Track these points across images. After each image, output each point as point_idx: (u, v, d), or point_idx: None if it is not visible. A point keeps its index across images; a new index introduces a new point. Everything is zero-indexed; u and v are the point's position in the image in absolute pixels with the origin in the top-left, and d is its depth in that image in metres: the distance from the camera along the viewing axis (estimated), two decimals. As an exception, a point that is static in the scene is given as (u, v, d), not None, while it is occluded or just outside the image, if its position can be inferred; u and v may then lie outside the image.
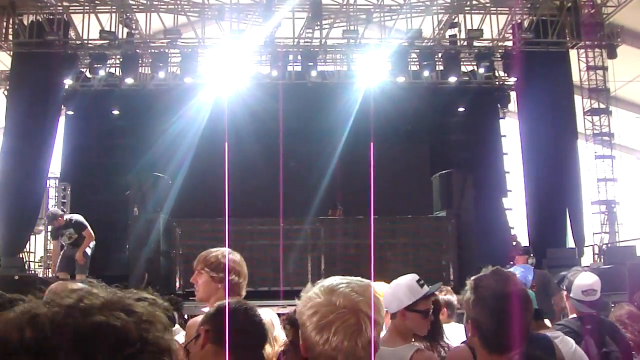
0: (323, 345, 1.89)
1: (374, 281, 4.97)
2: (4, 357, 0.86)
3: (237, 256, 4.01)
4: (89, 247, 12.27)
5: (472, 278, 2.71)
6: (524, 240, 17.46)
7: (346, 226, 14.49)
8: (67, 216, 12.50)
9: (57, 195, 18.65)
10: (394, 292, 3.72)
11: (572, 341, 3.93)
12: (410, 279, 3.75)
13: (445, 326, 5.01)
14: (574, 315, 4.67)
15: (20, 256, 16.46)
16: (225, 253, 3.96)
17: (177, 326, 5.04)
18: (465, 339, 3.08)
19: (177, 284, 13.15)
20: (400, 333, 3.68)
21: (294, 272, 13.17)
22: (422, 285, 3.72)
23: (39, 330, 0.87)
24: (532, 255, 11.13)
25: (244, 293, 3.96)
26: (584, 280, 4.69)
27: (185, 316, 10.03)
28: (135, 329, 0.91)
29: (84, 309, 0.91)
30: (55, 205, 18.30)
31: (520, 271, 6.28)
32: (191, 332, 3.31)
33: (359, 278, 2.05)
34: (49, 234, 14.90)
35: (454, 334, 4.73)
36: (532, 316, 2.89)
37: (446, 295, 5.52)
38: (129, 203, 14.21)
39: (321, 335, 1.89)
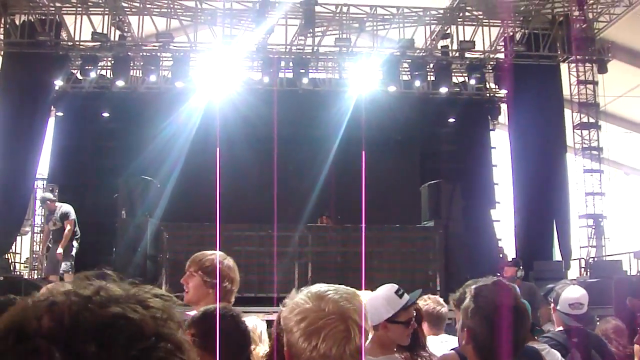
0: (311, 352, 1.86)
1: (363, 290, 4.96)
2: (21, 344, 0.86)
3: (231, 262, 3.93)
4: (74, 246, 12.54)
5: (473, 287, 2.70)
6: (511, 252, 17.51)
7: (334, 234, 14.48)
8: (58, 203, 12.91)
9: (45, 196, 18.54)
10: (373, 304, 3.69)
11: (557, 354, 3.93)
12: (388, 290, 3.71)
13: (436, 339, 4.95)
14: (561, 328, 4.66)
15: (6, 257, 16.35)
16: (220, 258, 3.87)
17: None
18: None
19: (163, 288, 13.08)
20: (383, 344, 3.67)
21: (281, 279, 13.14)
22: (401, 296, 3.68)
23: (57, 318, 0.88)
24: (521, 267, 11.14)
25: (233, 300, 3.91)
26: (572, 293, 4.68)
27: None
28: (151, 323, 0.91)
29: (101, 300, 0.91)
30: (42, 206, 18.22)
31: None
32: None
33: (344, 286, 2.03)
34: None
35: (448, 346, 4.62)
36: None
37: (431, 304, 5.31)
38: (117, 206, 14.17)
39: (309, 342, 1.86)
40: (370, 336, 3.96)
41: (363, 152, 14.04)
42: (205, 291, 3.82)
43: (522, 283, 10.48)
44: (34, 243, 18.73)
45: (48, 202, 13.05)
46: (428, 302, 5.20)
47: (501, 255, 16.93)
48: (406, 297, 3.72)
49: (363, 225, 12.71)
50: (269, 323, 3.93)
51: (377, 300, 3.69)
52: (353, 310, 1.90)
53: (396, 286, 3.75)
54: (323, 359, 1.85)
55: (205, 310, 3.02)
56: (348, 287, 2.02)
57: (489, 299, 2.59)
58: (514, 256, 16.06)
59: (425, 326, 5.00)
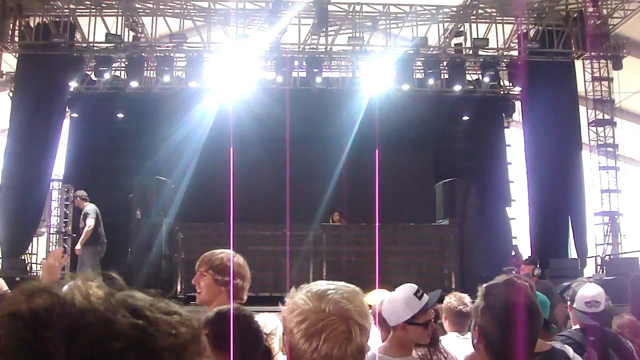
0: (312, 353, 1.85)
1: (377, 288, 4.96)
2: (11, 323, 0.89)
3: (241, 259, 3.93)
4: (97, 249, 13.01)
5: (484, 285, 2.69)
6: (526, 250, 17.42)
7: (349, 233, 14.48)
8: (86, 203, 13.39)
9: (60, 197, 18.64)
10: (392, 306, 3.68)
11: (570, 350, 3.91)
12: (408, 291, 3.70)
13: (459, 336, 4.91)
14: (577, 326, 4.63)
15: (22, 258, 16.45)
16: (230, 255, 3.87)
17: None
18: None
19: (179, 288, 13.13)
20: (402, 344, 3.67)
21: (296, 278, 13.14)
22: (420, 297, 3.67)
23: (40, 300, 0.90)
24: (538, 265, 11.03)
25: (245, 297, 3.91)
26: (588, 291, 4.65)
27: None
28: (130, 331, 0.90)
29: (86, 293, 0.92)
30: (58, 207, 18.33)
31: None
32: None
33: (343, 283, 2.01)
34: None
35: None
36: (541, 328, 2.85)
37: (454, 302, 5.23)
38: (132, 206, 14.23)
39: (310, 343, 1.85)
40: (383, 335, 3.96)
41: (376, 151, 14.00)
42: (217, 290, 3.82)
43: (539, 281, 10.40)
44: (50, 244, 18.82)
45: (78, 198, 13.87)
46: (451, 299, 5.16)
47: (514, 253, 16.83)
48: (425, 298, 3.70)
49: (377, 224, 12.68)
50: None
51: (396, 302, 3.68)
52: (354, 310, 1.89)
53: (415, 287, 3.73)
54: None
55: (218, 311, 3.04)
56: (349, 285, 2.01)
57: (499, 296, 2.58)
58: (529, 254, 15.97)
59: (447, 324, 4.99)
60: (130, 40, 17.53)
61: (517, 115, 19.59)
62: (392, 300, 3.71)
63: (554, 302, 8.40)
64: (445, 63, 18.41)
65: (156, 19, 17.45)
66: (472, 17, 17.84)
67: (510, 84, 19.17)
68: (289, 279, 12.27)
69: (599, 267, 17.12)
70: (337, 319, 1.86)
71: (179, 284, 13.21)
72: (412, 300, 3.63)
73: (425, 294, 3.72)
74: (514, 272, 10.91)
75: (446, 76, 18.51)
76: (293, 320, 1.90)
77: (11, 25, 16.83)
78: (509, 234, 18.94)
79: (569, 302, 4.80)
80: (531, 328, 2.56)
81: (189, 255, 13.07)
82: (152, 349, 0.91)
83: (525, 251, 17.20)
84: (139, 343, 0.90)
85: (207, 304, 3.82)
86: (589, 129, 18.46)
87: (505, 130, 20.08)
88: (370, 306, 5.01)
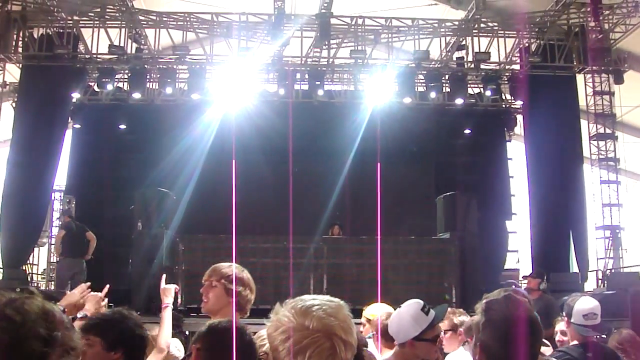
0: None
1: (378, 302, 4.95)
2: None
3: (247, 273, 4.01)
4: (68, 261, 13.51)
5: (484, 301, 2.69)
6: (527, 264, 17.38)
7: (349, 246, 14.45)
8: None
9: (61, 208, 18.67)
10: (399, 322, 3.66)
11: None
12: (415, 308, 3.68)
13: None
14: (576, 342, 4.63)
15: (23, 268, 16.45)
16: (238, 269, 3.95)
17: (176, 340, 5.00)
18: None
19: (179, 300, 13.10)
20: None
21: (297, 291, 13.11)
22: (427, 312, 3.65)
23: None
24: (545, 279, 10.89)
25: (249, 310, 3.95)
26: (584, 304, 4.65)
27: (187, 332, 9.99)
28: None
29: None
30: (59, 218, 18.37)
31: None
32: None
33: (328, 297, 2.01)
34: None
35: None
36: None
37: (461, 316, 5.28)
38: (134, 218, 14.21)
39: None
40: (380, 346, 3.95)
41: (378, 164, 14.00)
42: (226, 300, 3.87)
43: (542, 296, 10.28)
44: (51, 254, 18.83)
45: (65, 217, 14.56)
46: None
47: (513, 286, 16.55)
48: (432, 313, 3.68)
49: (378, 237, 12.66)
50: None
51: (403, 318, 3.66)
52: (338, 326, 1.89)
53: (422, 302, 3.71)
54: None
55: (210, 325, 3.08)
56: (334, 299, 2.00)
57: (500, 312, 2.57)
58: (532, 268, 15.94)
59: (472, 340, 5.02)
60: (133, 52, 17.59)
61: (519, 129, 19.59)
62: (400, 317, 3.69)
63: (555, 317, 8.37)
64: (447, 76, 18.47)
65: (159, 31, 17.51)
66: (474, 31, 17.88)
67: (512, 98, 19.16)
68: (290, 291, 12.25)
69: (600, 281, 17.10)
70: (322, 335, 1.86)
71: (179, 295, 13.18)
72: (420, 316, 3.62)
73: (432, 309, 3.71)
74: (513, 285, 10.87)
75: (448, 89, 18.53)
76: (277, 337, 1.90)
77: (15, 36, 16.89)
78: (506, 248, 18.85)
79: (565, 318, 4.80)
80: (532, 343, 2.56)
81: (189, 267, 13.06)
82: None
83: (526, 265, 17.19)
84: None
85: (213, 314, 3.85)
86: (590, 142, 18.49)
87: (507, 143, 20.06)
88: (369, 320, 5.04)
